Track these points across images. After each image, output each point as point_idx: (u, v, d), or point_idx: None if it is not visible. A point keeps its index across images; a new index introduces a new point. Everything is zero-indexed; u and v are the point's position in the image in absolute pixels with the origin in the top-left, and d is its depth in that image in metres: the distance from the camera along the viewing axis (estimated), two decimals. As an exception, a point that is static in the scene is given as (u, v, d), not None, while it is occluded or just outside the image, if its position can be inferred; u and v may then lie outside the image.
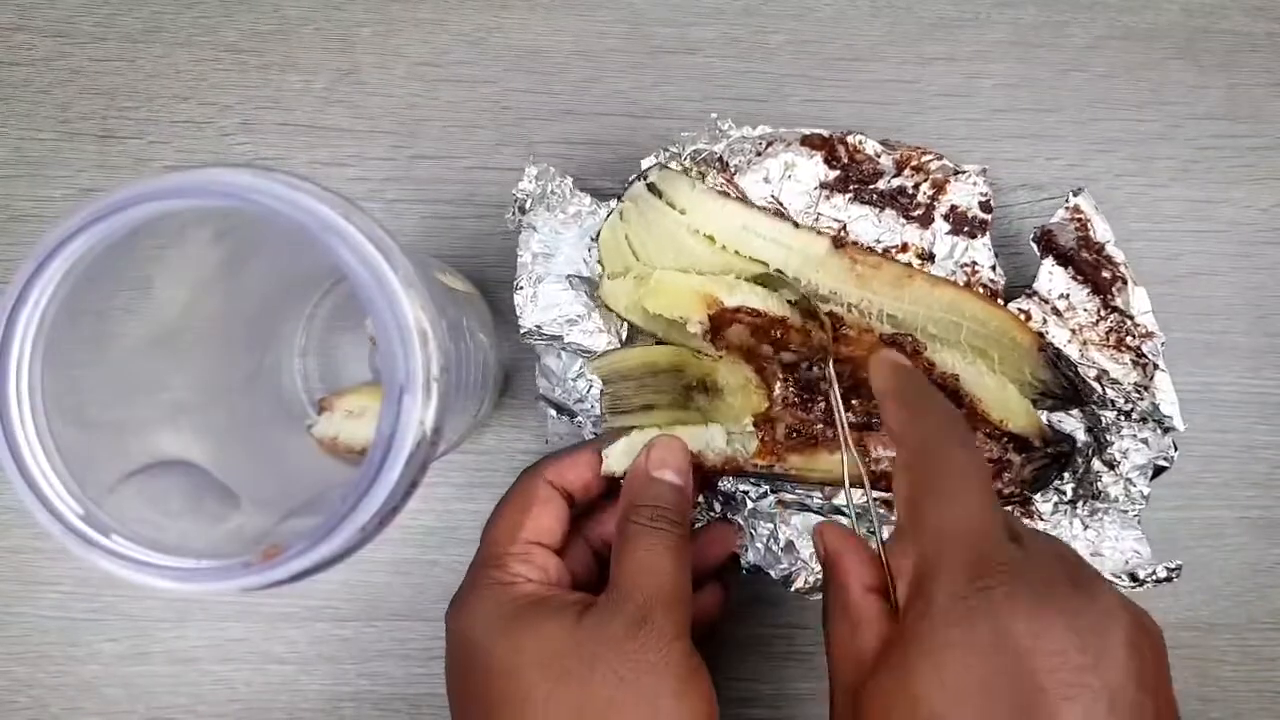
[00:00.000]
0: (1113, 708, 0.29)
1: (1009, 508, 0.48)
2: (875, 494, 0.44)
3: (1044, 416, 0.47)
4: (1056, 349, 0.46)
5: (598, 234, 0.46)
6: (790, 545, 0.47)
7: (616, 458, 0.44)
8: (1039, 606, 0.31)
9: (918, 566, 0.33)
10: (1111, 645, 0.30)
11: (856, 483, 0.42)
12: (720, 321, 0.44)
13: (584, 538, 0.45)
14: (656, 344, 0.47)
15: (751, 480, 0.48)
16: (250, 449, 0.42)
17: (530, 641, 0.37)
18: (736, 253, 0.45)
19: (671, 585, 0.38)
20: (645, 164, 0.47)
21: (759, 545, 0.47)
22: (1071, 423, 0.48)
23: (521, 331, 0.46)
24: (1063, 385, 0.46)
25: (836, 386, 0.43)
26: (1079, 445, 0.48)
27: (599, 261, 0.46)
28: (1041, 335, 0.47)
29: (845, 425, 0.42)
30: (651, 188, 0.45)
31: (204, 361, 0.40)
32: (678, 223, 0.45)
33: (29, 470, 0.30)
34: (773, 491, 0.48)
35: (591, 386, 0.47)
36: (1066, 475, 0.48)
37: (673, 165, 0.46)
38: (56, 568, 0.51)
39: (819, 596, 0.47)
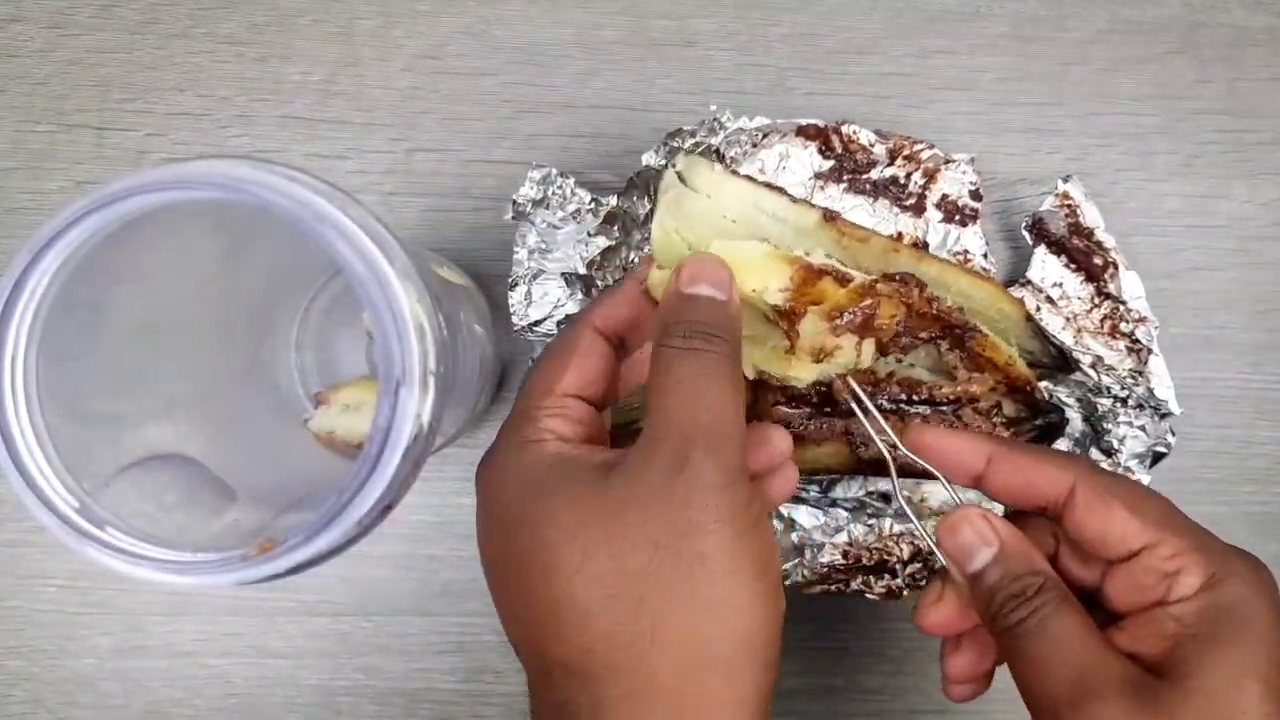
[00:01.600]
0: None
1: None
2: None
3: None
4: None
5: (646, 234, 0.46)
6: (786, 539, 0.47)
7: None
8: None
9: (1204, 556, 0.33)
10: None
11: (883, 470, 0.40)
12: (802, 292, 0.40)
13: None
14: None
15: None
16: (246, 443, 0.42)
17: (557, 506, 0.31)
18: (749, 233, 0.45)
19: (713, 416, 0.31)
20: (645, 158, 0.47)
21: None
22: (1069, 413, 0.48)
23: (516, 327, 0.46)
24: (1051, 354, 0.46)
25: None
26: (1078, 437, 0.48)
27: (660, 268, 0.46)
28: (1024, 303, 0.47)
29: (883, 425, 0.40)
30: (680, 176, 0.45)
31: (200, 355, 0.40)
32: (708, 206, 0.45)
33: (24, 463, 0.30)
34: None
35: None
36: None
37: (658, 152, 0.46)
38: (52, 561, 0.51)
39: (817, 590, 0.47)
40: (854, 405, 0.40)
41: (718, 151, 0.47)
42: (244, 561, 0.29)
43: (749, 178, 0.46)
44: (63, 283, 0.30)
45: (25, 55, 0.52)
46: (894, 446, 0.38)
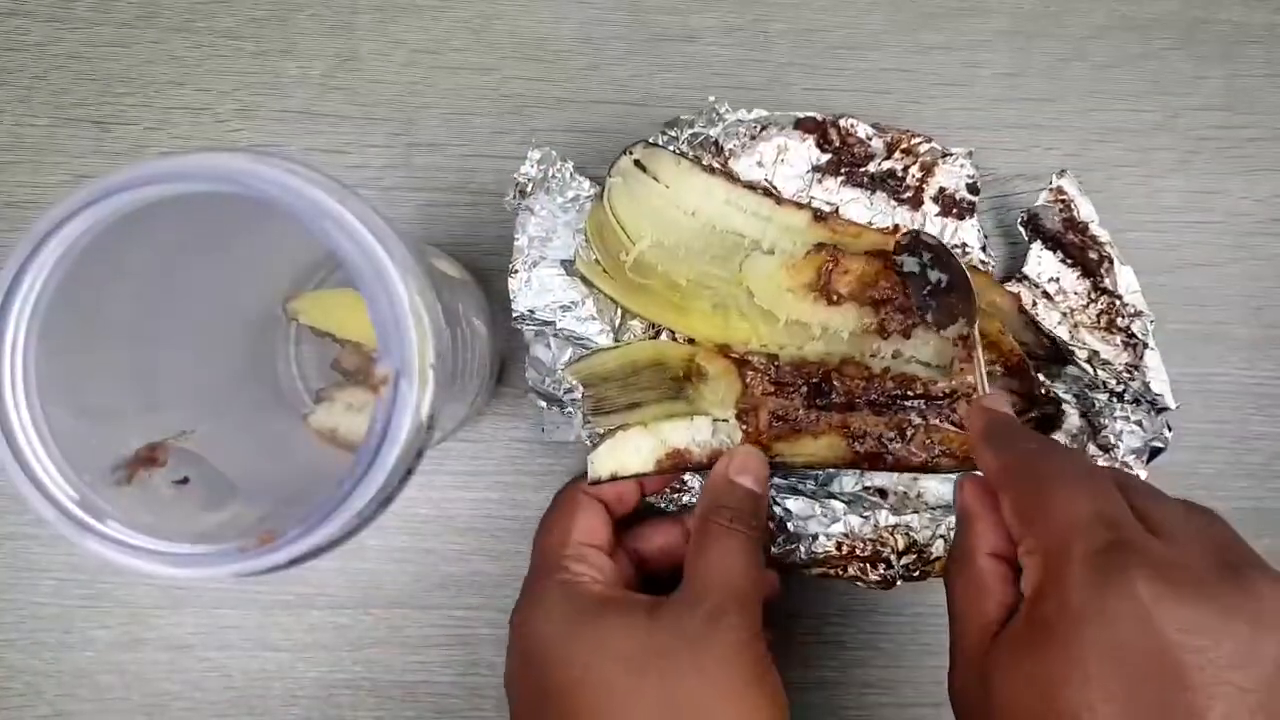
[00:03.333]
0: (1260, 710, 0.28)
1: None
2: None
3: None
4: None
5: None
6: (783, 525, 0.48)
7: (601, 460, 0.45)
8: (1185, 596, 0.29)
9: (1046, 557, 0.32)
10: (1265, 642, 0.28)
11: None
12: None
13: (624, 549, 0.46)
14: (636, 335, 0.47)
15: None
16: (246, 436, 0.42)
17: (609, 637, 0.38)
18: (715, 228, 0.46)
19: (747, 584, 0.39)
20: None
21: None
22: (1065, 408, 0.48)
23: (514, 316, 0.46)
24: (1045, 345, 0.47)
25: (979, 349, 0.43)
26: (1075, 432, 0.48)
27: (587, 246, 0.46)
28: (1018, 296, 0.47)
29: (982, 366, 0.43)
30: (638, 164, 0.45)
31: (200, 348, 0.40)
32: (663, 197, 0.45)
33: (24, 456, 0.30)
34: None
35: (574, 385, 0.47)
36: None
37: (656, 142, 0.46)
38: (51, 554, 0.51)
39: (816, 571, 0.47)
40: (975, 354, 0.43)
41: (715, 143, 0.47)
42: (243, 554, 0.29)
43: (728, 175, 0.46)
44: (62, 275, 0.30)
45: (24, 49, 0.52)
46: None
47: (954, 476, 0.48)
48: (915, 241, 0.45)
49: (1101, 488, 0.33)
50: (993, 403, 0.40)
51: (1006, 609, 0.34)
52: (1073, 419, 0.48)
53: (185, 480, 0.35)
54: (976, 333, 0.43)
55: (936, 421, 0.46)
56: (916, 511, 0.48)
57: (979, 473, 0.38)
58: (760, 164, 0.48)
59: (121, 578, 0.51)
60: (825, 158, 0.48)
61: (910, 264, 0.45)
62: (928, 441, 0.46)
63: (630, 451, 0.45)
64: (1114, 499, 0.32)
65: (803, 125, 0.48)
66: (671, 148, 0.47)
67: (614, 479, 0.45)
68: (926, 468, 0.46)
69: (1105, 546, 0.30)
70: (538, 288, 0.46)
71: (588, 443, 0.46)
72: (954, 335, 0.44)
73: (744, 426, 0.46)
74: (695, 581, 0.39)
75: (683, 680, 0.36)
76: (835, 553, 0.47)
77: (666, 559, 0.47)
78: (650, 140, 0.46)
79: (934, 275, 0.44)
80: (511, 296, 0.46)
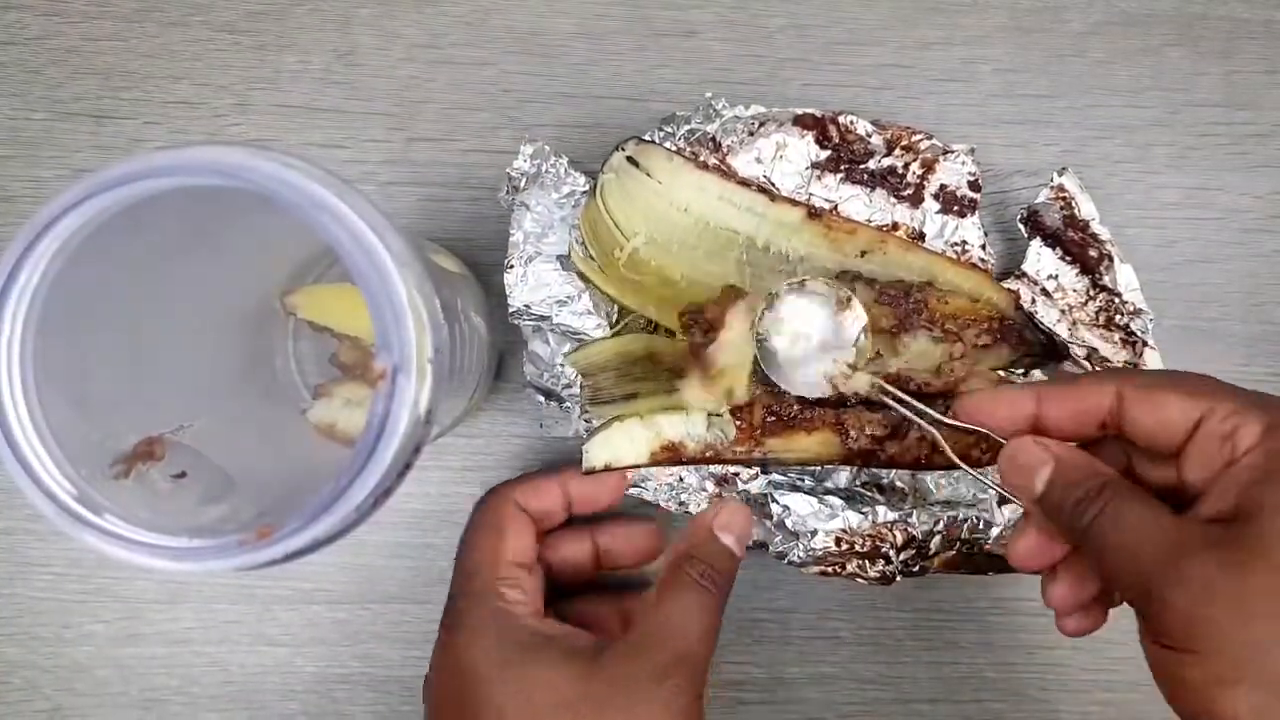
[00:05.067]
0: None
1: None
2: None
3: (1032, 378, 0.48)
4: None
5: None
6: (782, 523, 0.47)
7: (596, 451, 0.45)
8: None
9: (1259, 407, 0.33)
10: None
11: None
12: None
13: (541, 559, 0.46)
14: (634, 329, 0.47)
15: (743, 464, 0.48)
16: (244, 430, 0.42)
17: (544, 681, 0.37)
18: (708, 224, 0.46)
19: (703, 648, 0.38)
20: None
21: (753, 520, 0.47)
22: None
23: (510, 311, 0.46)
24: (1040, 341, 0.47)
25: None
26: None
27: (580, 241, 0.46)
28: (1017, 293, 0.47)
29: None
30: (631, 160, 0.45)
31: (197, 342, 0.40)
32: (656, 193, 0.45)
33: (21, 450, 0.30)
34: (763, 473, 0.48)
35: (575, 375, 0.47)
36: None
37: (652, 138, 0.46)
38: (49, 549, 0.51)
39: (815, 570, 0.47)
40: (893, 404, 0.43)
41: (713, 139, 0.47)
42: (241, 547, 0.29)
43: (722, 172, 0.46)
44: (59, 269, 0.30)
45: (22, 43, 0.52)
46: (938, 423, 0.41)
47: (953, 474, 0.48)
48: None
49: None
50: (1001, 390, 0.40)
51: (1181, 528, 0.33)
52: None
53: (183, 474, 0.35)
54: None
55: None
56: (915, 507, 0.48)
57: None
58: (759, 160, 0.48)
59: (119, 572, 0.51)
60: (824, 154, 0.48)
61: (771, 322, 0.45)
62: (921, 439, 0.46)
63: (624, 443, 0.45)
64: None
65: (802, 121, 0.48)
66: (667, 144, 0.47)
67: (608, 469, 0.45)
68: (920, 465, 0.46)
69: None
70: (534, 283, 0.46)
71: (585, 436, 0.46)
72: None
73: (738, 422, 0.46)
74: (650, 631, 0.38)
75: None
76: (834, 548, 0.47)
77: (570, 570, 0.47)
78: (644, 136, 0.46)
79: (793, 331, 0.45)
80: (508, 292, 0.46)
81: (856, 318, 0.44)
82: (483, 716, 0.37)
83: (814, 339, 0.45)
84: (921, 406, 0.42)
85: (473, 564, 0.42)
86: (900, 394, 0.43)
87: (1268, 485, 0.32)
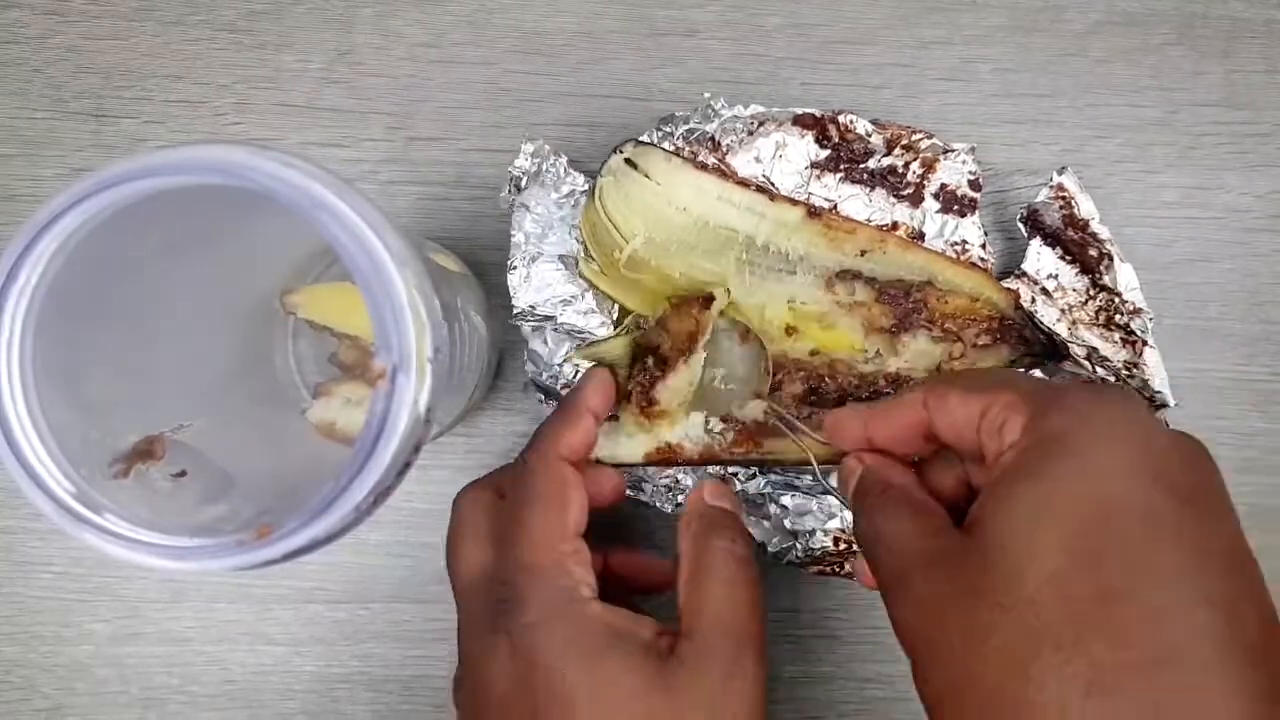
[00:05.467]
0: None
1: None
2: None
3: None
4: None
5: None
6: (780, 524, 0.47)
7: (595, 447, 0.44)
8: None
9: (1031, 396, 0.32)
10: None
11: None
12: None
13: None
14: (631, 329, 0.48)
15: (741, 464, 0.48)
16: (244, 430, 0.42)
17: (617, 686, 0.34)
18: (707, 223, 0.46)
19: (758, 622, 0.36)
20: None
21: (751, 521, 0.47)
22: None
23: (515, 312, 0.46)
24: (1040, 341, 0.47)
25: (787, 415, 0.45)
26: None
27: (581, 243, 0.46)
28: (1017, 292, 0.48)
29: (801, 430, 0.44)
30: (629, 162, 0.45)
31: (197, 341, 0.40)
32: (654, 194, 0.45)
33: (21, 449, 0.30)
34: (761, 473, 0.48)
35: (578, 371, 0.47)
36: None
37: (649, 139, 0.47)
38: (48, 548, 0.51)
39: (813, 570, 0.47)
40: (781, 425, 0.45)
41: (712, 139, 0.47)
42: (240, 547, 0.29)
43: (721, 171, 0.46)
44: (59, 268, 0.30)
45: (22, 42, 0.52)
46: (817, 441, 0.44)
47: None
48: None
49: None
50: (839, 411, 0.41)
51: (947, 519, 0.33)
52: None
53: (183, 473, 0.35)
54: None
55: None
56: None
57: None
58: (758, 160, 0.48)
59: (119, 571, 0.51)
60: (824, 154, 0.48)
61: None
62: None
63: (622, 441, 0.45)
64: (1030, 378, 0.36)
65: (801, 121, 0.48)
66: (666, 144, 0.47)
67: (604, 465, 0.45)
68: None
69: (1076, 383, 0.33)
70: (537, 283, 0.46)
71: None
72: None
73: (736, 425, 0.46)
74: (704, 626, 0.36)
75: None
76: (832, 548, 0.47)
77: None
78: (641, 138, 0.46)
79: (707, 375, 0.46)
80: (512, 293, 0.46)
81: (752, 349, 0.47)
82: (554, 711, 0.34)
83: (733, 371, 0.47)
84: (801, 427, 0.44)
85: (529, 541, 0.37)
86: (785, 415, 0.45)
87: (1000, 487, 0.31)
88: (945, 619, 0.30)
